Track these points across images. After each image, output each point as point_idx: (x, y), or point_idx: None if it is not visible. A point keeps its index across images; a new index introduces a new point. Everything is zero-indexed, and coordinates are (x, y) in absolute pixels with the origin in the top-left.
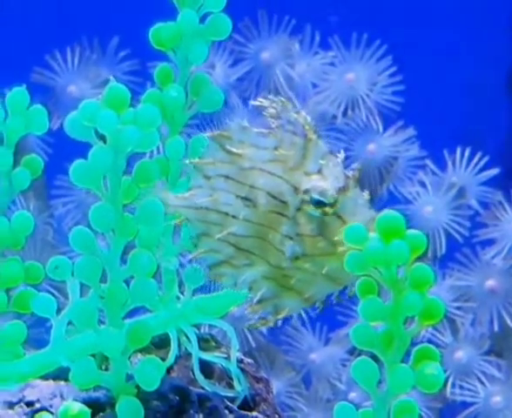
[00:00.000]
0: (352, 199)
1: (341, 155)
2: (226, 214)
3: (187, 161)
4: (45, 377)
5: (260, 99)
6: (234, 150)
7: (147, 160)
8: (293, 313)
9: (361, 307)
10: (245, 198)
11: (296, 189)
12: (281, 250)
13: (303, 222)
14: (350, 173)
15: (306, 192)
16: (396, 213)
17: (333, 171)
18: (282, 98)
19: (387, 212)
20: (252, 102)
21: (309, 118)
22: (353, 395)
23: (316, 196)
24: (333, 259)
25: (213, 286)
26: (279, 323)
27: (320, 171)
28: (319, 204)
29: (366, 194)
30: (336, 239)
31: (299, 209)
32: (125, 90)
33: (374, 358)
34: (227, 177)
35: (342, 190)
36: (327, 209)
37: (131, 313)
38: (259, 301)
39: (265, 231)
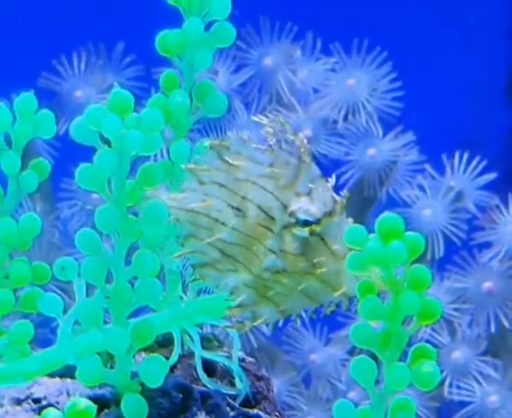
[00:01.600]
0: (337, 225)
1: (332, 180)
2: (216, 220)
3: (183, 166)
4: (52, 375)
5: (260, 116)
6: (231, 160)
7: (151, 163)
8: (269, 322)
9: (361, 307)
10: (237, 208)
11: (285, 207)
12: (263, 262)
13: (287, 240)
14: (338, 198)
15: (293, 213)
16: (395, 215)
17: (321, 196)
18: (281, 119)
19: (386, 213)
20: (253, 117)
21: (306, 141)
22: (352, 395)
23: (302, 216)
24: (311, 279)
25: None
26: (254, 329)
27: (309, 194)
28: (305, 224)
29: (350, 221)
30: (316, 260)
31: (285, 227)
32: (129, 95)
33: (374, 357)
34: (221, 185)
35: (329, 214)
36: (314, 227)
37: (136, 313)
38: (239, 306)
39: (251, 241)
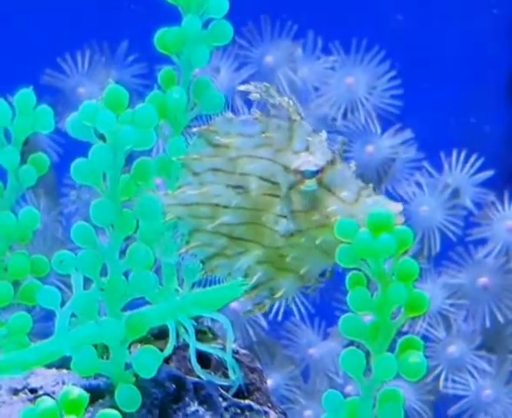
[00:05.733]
0: (340, 172)
1: (324, 134)
2: (217, 205)
3: (175, 158)
4: (49, 366)
5: (246, 85)
6: (220, 141)
7: (145, 158)
8: (290, 294)
9: (350, 298)
10: (236, 187)
11: (286, 168)
12: (275, 230)
13: (296, 199)
14: (335, 149)
15: (298, 168)
16: (385, 210)
17: (319, 148)
18: (266, 83)
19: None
20: (239, 87)
21: (291, 100)
22: (349, 389)
23: (306, 168)
24: (326, 231)
25: (209, 280)
26: (282, 308)
27: (307, 149)
28: (311, 175)
29: (353, 166)
30: (329, 210)
31: (291, 187)
32: (124, 91)
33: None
34: (216, 169)
35: (330, 163)
36: (320, 177)
37: (135, 307)
38: (255, 287)
39: (257, 215)
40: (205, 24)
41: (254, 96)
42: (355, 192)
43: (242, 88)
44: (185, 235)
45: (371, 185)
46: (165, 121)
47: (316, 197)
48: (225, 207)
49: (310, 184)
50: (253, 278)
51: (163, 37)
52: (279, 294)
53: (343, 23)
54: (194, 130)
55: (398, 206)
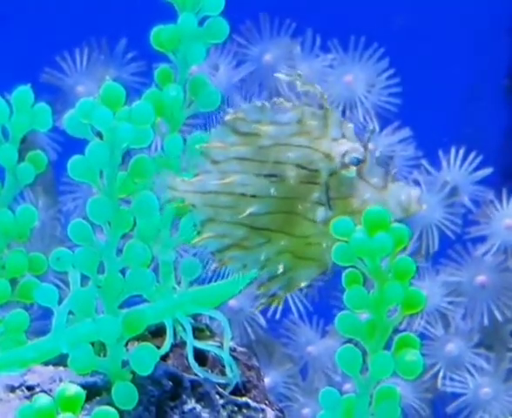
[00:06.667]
0: (370, 159)
1: (351, 124)
2: (243, 195)
3: (197, 146)
4: (46, 364)
5: (283, 72)
6: (251, 130)
7: (142, 155)
8: (306, 283)
9: (346, 296)
10: (270, 175)
11: (327, 155)
12: (310, 218)
13: (335, 186)
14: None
15: (345, 155)
16: (381, 208)
17: (353, 137)
18: (299, 72)
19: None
20: (277, 74)
21: (321, 89)
22: (347, 387)
23: (355, 155)
24: (359, 218)
25: (217, 273)
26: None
27: (343, 136)
28: (358, 162)
29: (377, 152)
30: (365, 197)
31: (331, 174)
32: (121, 88)
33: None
34: (242, 158)
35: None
36: (362, 165)
37: (133, 305)
38: (272, 278)
39: (292, 203)
40: (201, 22)
41: (290, 79)
42: (383, 179)
43: (280, 75)
44: (196, 225)
45: (395, 169)
46: (162, 118)
47: (353, 184)
48: (253, 197)
49: (352, 171)
50: (273, 269)
51: (159, 35)
52: (296, 285)
53: (342, 21)
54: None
55: (418, 192)
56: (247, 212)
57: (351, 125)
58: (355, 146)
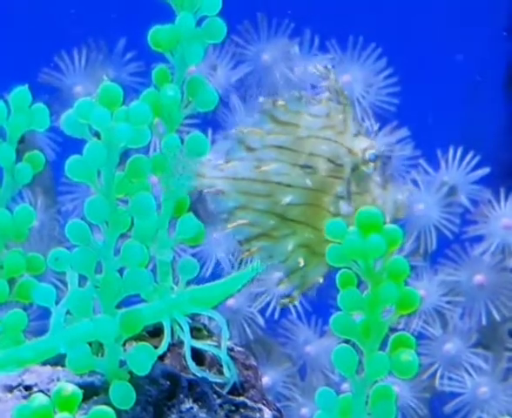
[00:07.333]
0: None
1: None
2: (279, 184)
3: (233, 130)
4: (44, 363)
5: (316, 66)
6: (292, 119)
7: (139, 156)
8: (316, 280)
9: (340, 297)
10: (304, 167)
11: (350, 150)
12: (332, 213)
13: (355, 181)
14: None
15: (365, 151)
16: (374, 209)
17: (366, 133)
18: (328, 65)
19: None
20: (311, 68)
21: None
22: (345, 386)
23: (374, 152)
24: None
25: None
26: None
27: (359, 133)
28: (376, 159)
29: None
30: (376, 194)
31: (353, 169)
32: (118, 88)
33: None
34: (280, 147)
35: None
36: (378, 162)
37: (131, 304)
38: (291, 272)
39: (320, 196)
40: (199, 22)
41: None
42: (384, 178)
43: (313, 69)
44: (223, 213)
45: (390, 169)
46: (160, 118)
47: (369, 180)
48: (288, 186)
49: (371, 167)
50: (294, 262)
51: (156, 35)
52: (309, 283)
53: (340, 21)
54: (260, 101)
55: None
56: (286, 201)
57: (365, 123)
58: (373, 143)
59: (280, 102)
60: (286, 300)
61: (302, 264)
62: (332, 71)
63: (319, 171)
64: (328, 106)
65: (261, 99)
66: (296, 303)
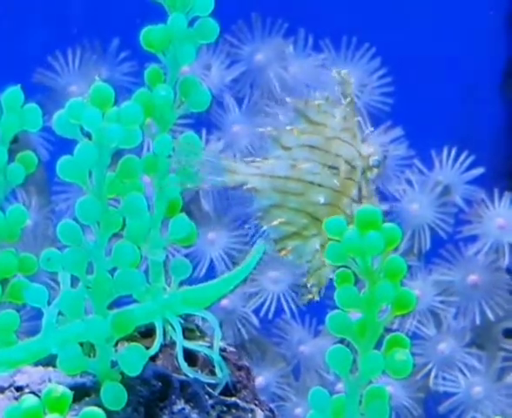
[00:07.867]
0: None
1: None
2: (311, 183)
3: (262, 129)
4: (36, 364)
5: (336, 70)
6: (321, 119)
7: (131, 156)
8: (328, 278)
9: (337, 295)
10: (331, 167)
11: (361, 154)
12: (348, 214)
13: (364, 185)
14: None
15: (371, 156)
16: (373, 207)
17: (369, 139)
18: (344, 71)
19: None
20: (333, 73)
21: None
22: (340, 386)
23: (377, 158)
24: None
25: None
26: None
27: (364, 138)
28: (379, 165)
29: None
30: (373, 200)
31: (362, 173)
32: (110, 88)
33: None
34: (312, 146)
35: None
36: (379, 169)
37: (123, 305)
38: (315, 270)
39: (340, 197)
40: (192, 23)
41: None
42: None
43: (335, 74)
44: (258, 211)
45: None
46: (152, 119)
47: (371, 185)
48: (320, 186)
49: (375, 172)
50: (319, 261)
51: (148, 35)
52: (325, 280)
53: (333, 21)
54: (291, 102)
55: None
56: (321, 200)
57: (369, 129)
58: (377, 149)
59: (314, 102)
60: (307, 297)
61: (327, 262)
62: (351, 78)
63: (341, 172)
64: (345, 110)
65: (289, 99)
66: (317, 299)
